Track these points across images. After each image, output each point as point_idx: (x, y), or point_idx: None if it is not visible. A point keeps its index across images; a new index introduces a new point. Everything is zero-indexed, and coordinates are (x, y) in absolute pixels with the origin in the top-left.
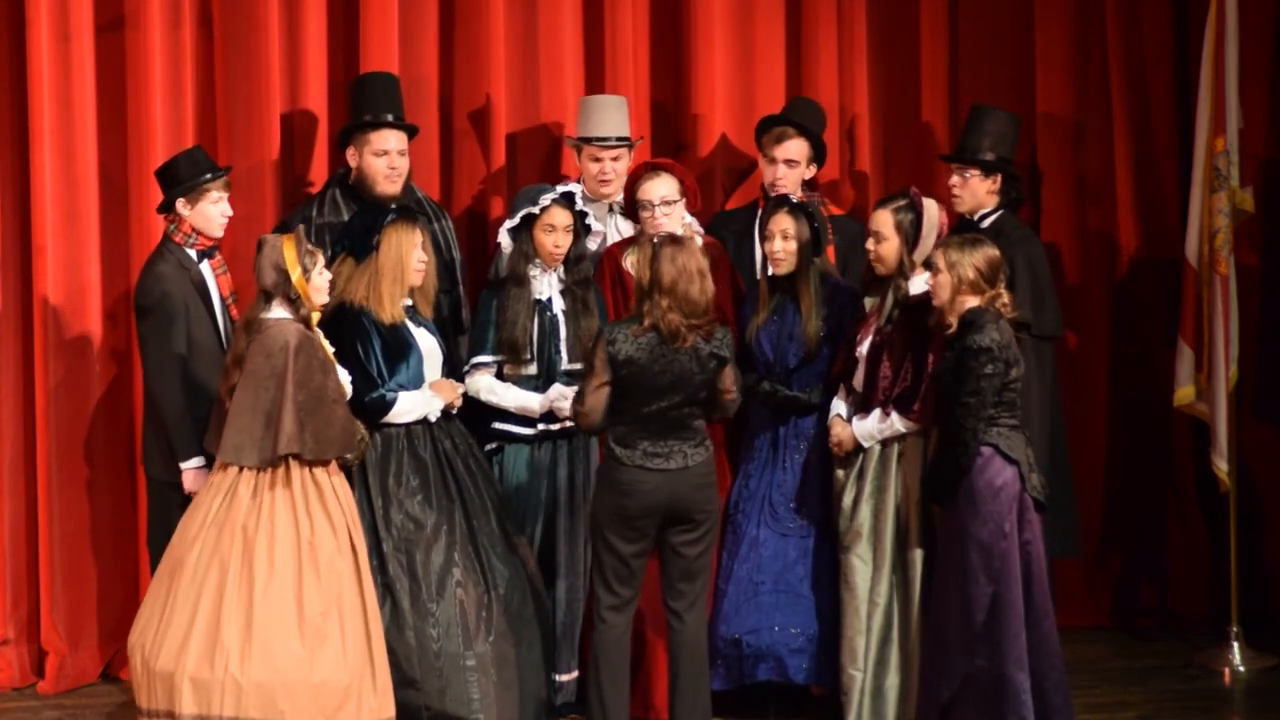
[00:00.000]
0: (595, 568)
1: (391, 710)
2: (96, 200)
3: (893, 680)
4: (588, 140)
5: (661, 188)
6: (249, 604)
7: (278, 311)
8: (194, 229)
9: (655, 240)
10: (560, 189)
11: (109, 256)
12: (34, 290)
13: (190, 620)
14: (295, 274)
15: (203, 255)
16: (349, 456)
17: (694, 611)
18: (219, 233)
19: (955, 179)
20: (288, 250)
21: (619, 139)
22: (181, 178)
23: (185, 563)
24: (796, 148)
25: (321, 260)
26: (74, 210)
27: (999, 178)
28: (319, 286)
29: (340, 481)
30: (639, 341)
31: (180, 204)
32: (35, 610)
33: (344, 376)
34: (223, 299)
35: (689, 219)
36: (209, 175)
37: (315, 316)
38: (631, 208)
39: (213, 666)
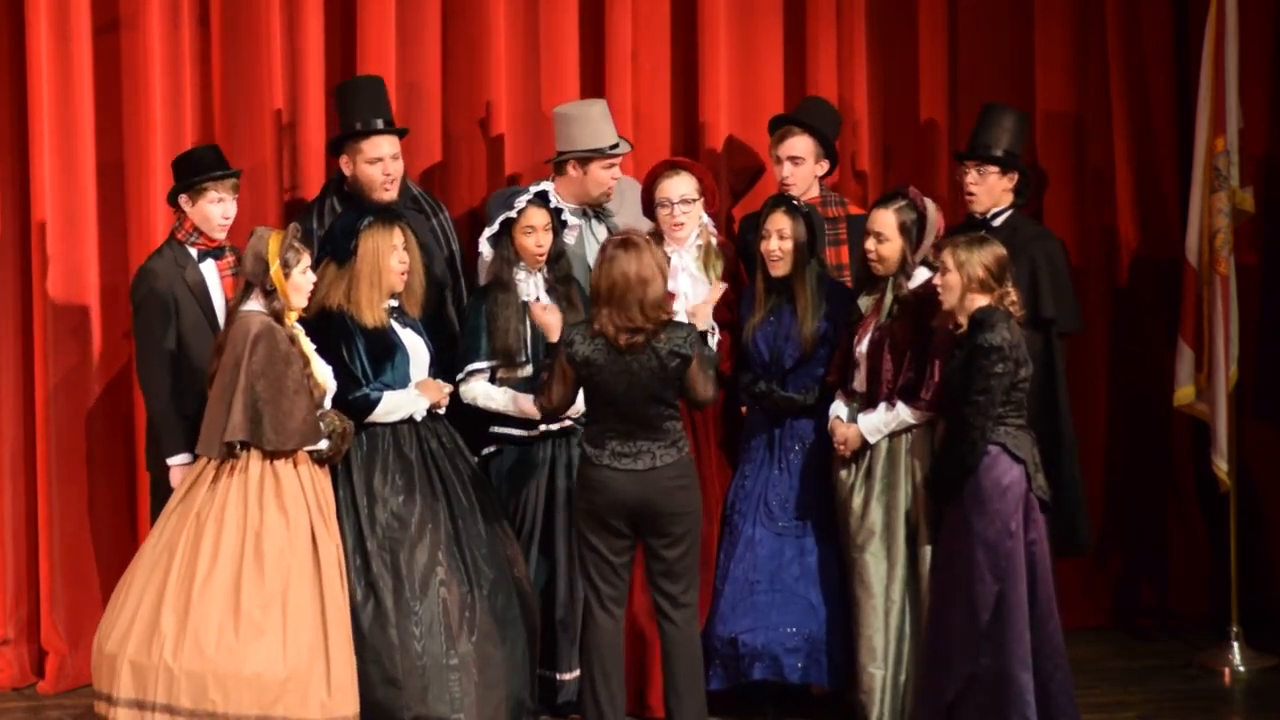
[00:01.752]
0: (580, 565)
1: (350, 709)
2: (96, 200)
3: (904, 676)
4: (597, 153)
5: (681, 186)
6: (188, 592)
7: (252, 304)
8: (195, 227)
9: (609, 242)
10: (533, 189)
11: (109, 256)
12: (34, 290)
13: (137, 605)
14: (274, 266)
15: (207, 255)
16: (322, 448)
17: (683, 612)
18: (218, 234)
19: (972, 176)
20: (273, 242)
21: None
22: (186, 173)
23: (144, 550)
24: (800, 144)
25: (307, 260)
26: (74, 210)
27: (1015, 176)
28: (298, 285)
29: (311, 473)
30: (594, 343)
31: (183, 199)
32: (35, 610)
33: (325, 371)
34: (227, 300)
35: (705, 219)
36: (211, 175)
37: (293, 315)
38: (649, 206)
39: (149, 652)
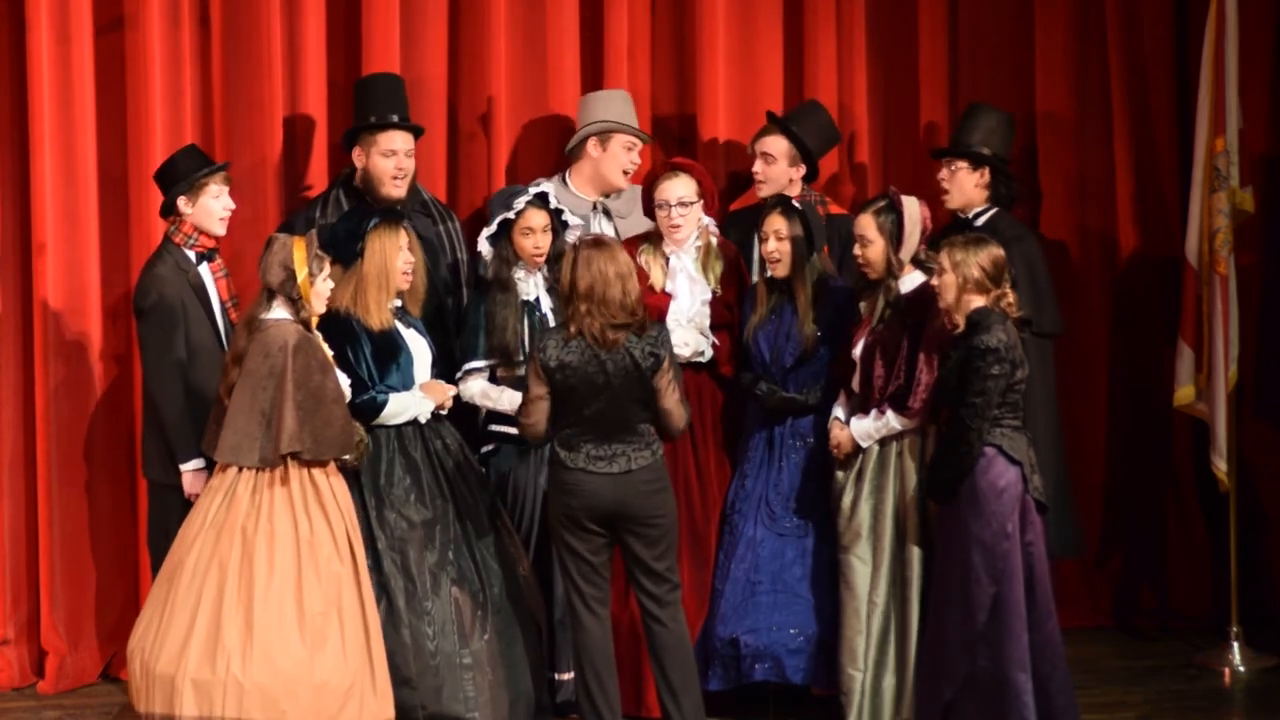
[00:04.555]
0: (560, 568)
1: (391, 712)
2: (96, 200)
3: (890, 680)
4: (620, 129)
5: (679, 188)
6: (249, 605)
7: (278, 312)
8: (195, 228)
9: (576, 244)
10: (533, 189)
11: (109, 257)
12: (34, 291)
13: (190, 622)
14: (302, 275)
15: (202, 258)
16: (349, 458)
17: (668, 612)
18: (220, 229)
19: (943, 173)
20: (298, 251)
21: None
22: (179, 176)
23: (184, 565)
24: (774, 143)
25: (328, 267)
26: (74, 210)
27: (986, 172)
28: (321, 293)
29: (339, 483)
30: (569, 346)
31: (181, 202)
32: (35, 610)
33: (343, 379)
34: (222, 302)
35: (706, 220)
36: (205, 170)
37: (314, 320)
38: (649, 206)
39: (214, 668)
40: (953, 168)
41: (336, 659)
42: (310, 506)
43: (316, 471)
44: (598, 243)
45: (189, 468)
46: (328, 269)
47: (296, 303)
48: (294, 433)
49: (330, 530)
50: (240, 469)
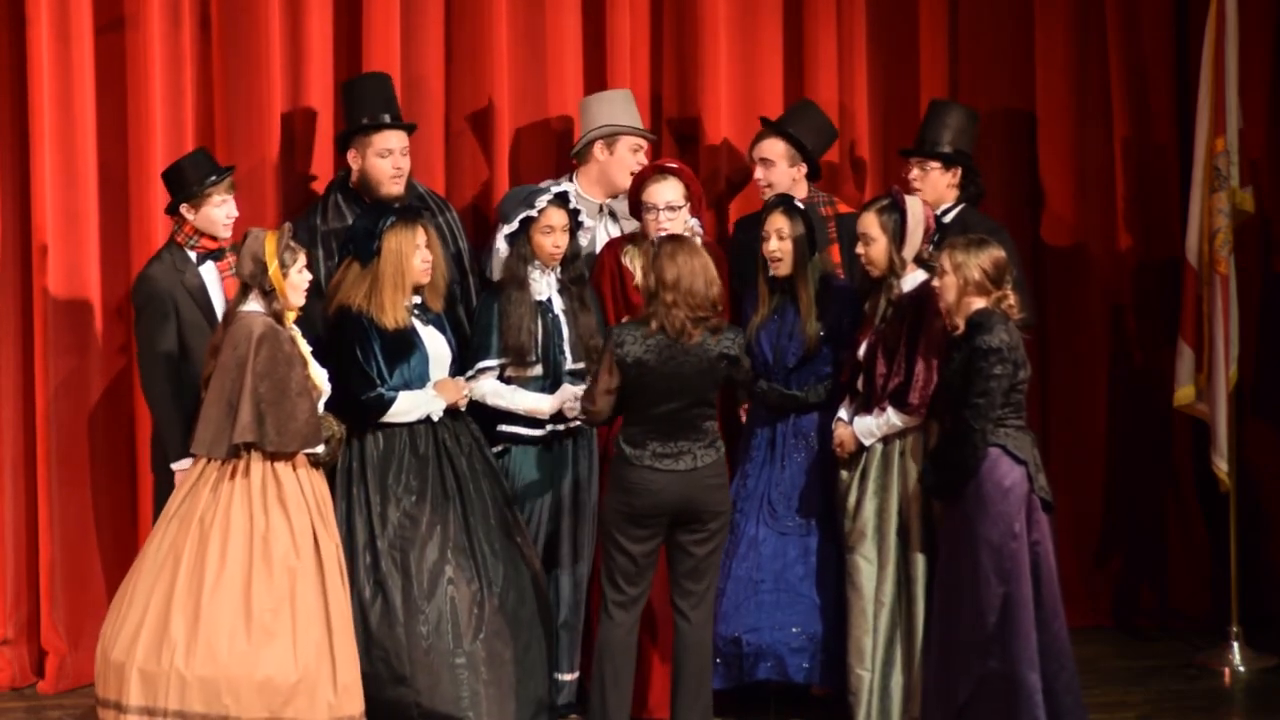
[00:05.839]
0: (604, 565)
1: (356, 708)
2: (96, 200)
3: (898, 679)
4: (626, 131)
5: (668, 192)
6: (198, 598)
7: (252, 305)
8: (196, 230)
9: (655, 241)
10: (553, 189)
11: (109, 256)
12: (34, 290)
13: (143, 612)
14: (272, 267)
15: (206, 257)
16: (319, 452)
17: (700, 610)
18: (225, 234)
19: (915, 172)
20: (269, 243)
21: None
22: (186, 182)
23: (146, 554)
24: (770, 147)
25: (303, 259)
26: (74, 210)
27: (959, 171)
28: (296, 284)
29: (310, 477)
30: (647, 343)
31: (184, 208)
32: (35, 610)
33: (320, 374)
34: (228, 301)
35: (692, 222)
36: (212, 179)
37: (291, 315)
38: (635, 208)
39: (159, 659)
40: (925, 168)
41: (284, 655)
42: (270, 501)
43: (281, 465)
44: (679, 239)
45: (180, 466)
46: (302, 260)
47: (270, 295)
48: (247, 424)
49: (289, 525)
50: (209, 460)
